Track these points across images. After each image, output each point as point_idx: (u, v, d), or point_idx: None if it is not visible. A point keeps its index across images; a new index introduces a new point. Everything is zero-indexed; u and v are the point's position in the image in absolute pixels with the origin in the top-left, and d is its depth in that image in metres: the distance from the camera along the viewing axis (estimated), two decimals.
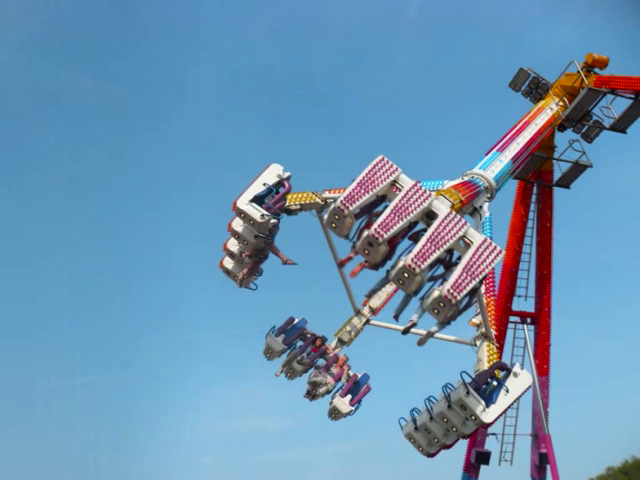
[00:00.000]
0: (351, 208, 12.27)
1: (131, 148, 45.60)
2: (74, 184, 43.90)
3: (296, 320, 16.50)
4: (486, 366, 14.39)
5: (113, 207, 44.32)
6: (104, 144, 45.00)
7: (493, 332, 15.48)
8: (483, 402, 12.95)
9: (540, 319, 22.99)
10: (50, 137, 44.54)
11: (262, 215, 14.02)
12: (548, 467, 21.84)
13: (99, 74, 44.82)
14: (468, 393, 12.95)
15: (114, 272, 43.18)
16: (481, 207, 16.92)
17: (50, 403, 39.13)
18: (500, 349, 15.90)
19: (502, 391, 13.17)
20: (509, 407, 13.15)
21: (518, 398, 13.31)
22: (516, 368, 13.54)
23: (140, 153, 45.76)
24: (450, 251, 12.32)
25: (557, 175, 22.60)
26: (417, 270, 11.80)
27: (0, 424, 37.16)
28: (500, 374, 13.43)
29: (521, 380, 13.44)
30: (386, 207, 12.38)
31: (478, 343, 14.78)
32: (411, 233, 12.55)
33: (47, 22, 46.09)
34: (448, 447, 14.13)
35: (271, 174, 14.92)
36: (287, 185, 14.86)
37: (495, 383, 13.23)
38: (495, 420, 12.97)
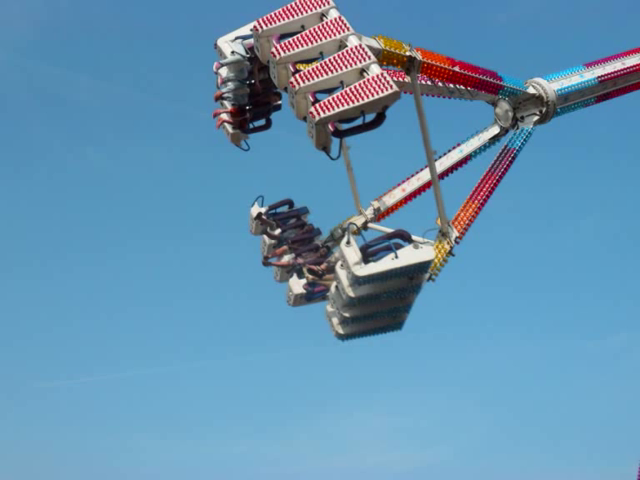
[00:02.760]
0: (265, 28, 12.17)
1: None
2: (73, 184, 43.94)
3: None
4: None
5: (113, 207, 43.64)
6: (104, 144, 44.32)
7: (455, 233, 14.07)
8: (360, 254, 11.87)
9: None
10: (50, 137, 44.66)
11: (232, 52, 13.89)
12: None
13: (99, 74, 44.21)
14: (348, 243, 12.01)
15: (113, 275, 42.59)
16: (522, 117, 15.57)
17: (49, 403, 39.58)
18: None
19: (390, 255, 11.96)
20: (390, 272, 11.85)
21: (407, 268, 11.93)
22: (418, 238, 12.18)
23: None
24: None
25: None
26: (296, 88, 11.35)
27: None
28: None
29: (420, 252, 12.05)
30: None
31: (431, 241, 13.52)
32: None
33: (47, 22, 46.32)
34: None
35: None
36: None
37: (386, 244, 12.08)
38: (368, 276, 11.76)
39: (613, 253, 42.58)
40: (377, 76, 11.23)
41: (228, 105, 14.68)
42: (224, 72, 14.27)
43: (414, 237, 12.31)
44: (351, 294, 12.22)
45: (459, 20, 45.91)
